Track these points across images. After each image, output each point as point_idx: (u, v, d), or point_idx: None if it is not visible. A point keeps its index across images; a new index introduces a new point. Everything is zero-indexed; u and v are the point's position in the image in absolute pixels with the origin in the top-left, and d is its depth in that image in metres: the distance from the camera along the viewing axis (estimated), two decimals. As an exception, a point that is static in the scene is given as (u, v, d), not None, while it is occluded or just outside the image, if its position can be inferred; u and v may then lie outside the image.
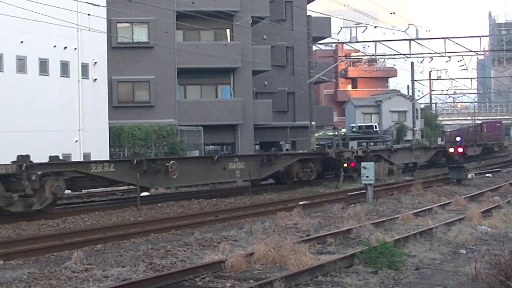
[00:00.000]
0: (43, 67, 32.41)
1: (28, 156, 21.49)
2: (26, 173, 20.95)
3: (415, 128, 68.12)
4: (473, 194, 27.08)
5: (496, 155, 69.98)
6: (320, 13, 61.27)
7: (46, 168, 22.24)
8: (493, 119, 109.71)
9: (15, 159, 21.62)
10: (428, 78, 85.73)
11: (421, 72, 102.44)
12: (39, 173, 21.66)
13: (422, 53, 59.27)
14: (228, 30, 46.05)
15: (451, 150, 48.03)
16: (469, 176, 35.28)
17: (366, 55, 73.89)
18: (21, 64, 31.50)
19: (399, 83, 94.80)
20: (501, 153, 73.26)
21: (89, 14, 31.43)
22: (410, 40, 53.63)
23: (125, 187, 29.61)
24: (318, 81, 53.35)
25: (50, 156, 23.14)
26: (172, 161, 26.24)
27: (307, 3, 56.58)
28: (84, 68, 34.15)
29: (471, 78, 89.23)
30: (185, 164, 27.36)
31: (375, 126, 66.80)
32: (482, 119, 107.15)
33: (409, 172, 43.01)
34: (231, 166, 29.02)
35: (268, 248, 13.32)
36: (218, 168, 28.49)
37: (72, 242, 16.53)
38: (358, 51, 79.35)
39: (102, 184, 25.72)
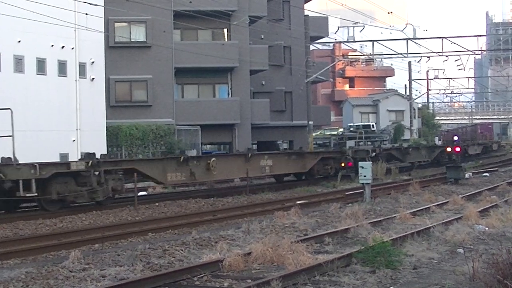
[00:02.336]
0: (41, 66, 32.38)
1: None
2: None
3: (412, 128, 68.17)
4: (470, 193, 27.09)
5: (493, 154, 70.35)
6: (318, 13, 61.28)
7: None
8: (488, 118, 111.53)
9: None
10: (426, 78, 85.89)
11: (418, 72, 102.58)
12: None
13: (420, 53, 59.36)
14: (225, 30, 46.05)
15: (449, 149, 48.05)
16: (467, 175, 35.28)
17: (364, 55, 73.89)
18: (18, 64, 31.47)
19: (396, 82, 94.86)
20: (499, 153, 73.52)
21: (86, 14, 31.39)
22: (407, 39, 53.74)
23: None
24: (315, 80, 53.38)
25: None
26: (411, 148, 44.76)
27: (305, 3, 56.58)
28: (82, 68, 34.13)
29: (468, 77, 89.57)
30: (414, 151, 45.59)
31: (373, 125, 66.82)
32: (478, 119, 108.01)
33: (406, 171, 43.06)
34: (422, 152, 46.38)
35: (265, 247, 13.32)
36: (417, 153, 45.87)
37: (69, 241, 16.52)
38: (355, 50, 79.31)
39: None
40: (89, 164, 23.03)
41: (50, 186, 22.12)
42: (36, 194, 21.45)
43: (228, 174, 30.43)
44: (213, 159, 28.22)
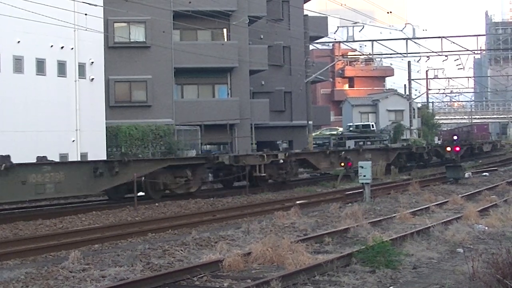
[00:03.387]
0: (40, 67, 32.36)
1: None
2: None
3: (412, 127, 68.15)
4: (470, 193, 27.09)
5: (492, 153, 70.64)
6: (317, 13, 61.30)
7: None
8: (488, 117, 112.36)
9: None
10: (425, 77, 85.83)
11: (418, 71, 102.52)
12: None
13: (419, 52, 59.37)
14: (225, 30, 46.06)
15: (448, 149, 48.09)
16: (466, 175, 35.27)
17: (363, 55, 73.86)
18: (18, 64, 31.43)
19: (396, 82, 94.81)
20: (498, 152, 73.70)
21: (86, 14, 31.36)
22: (407, 39, 53.73)
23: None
24: (315, 80, 53.40)
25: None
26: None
27: (304, 3, 56.61)
28: (81, 68, 34.09)
29: (468, 77, 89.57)
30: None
31: (372, 125, 66.78)
32: (477, 119, 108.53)
33: (406, 171, 43.06)
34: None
35: (265, 247, 13.32)
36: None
37: (69, 242, 16.53)
38: (355, 50, 79.29)
39: None
40: (286, 155, 32.57)
41: (266, 170, 31.04)
42: (265, 175, 31.06)
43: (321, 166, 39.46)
44: (343, 152, 37.68)
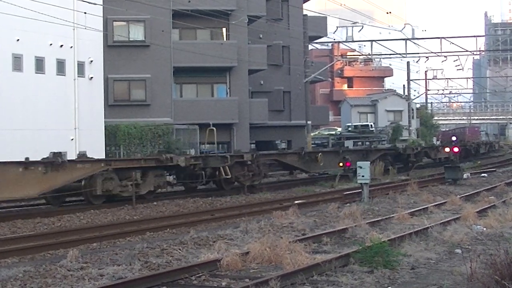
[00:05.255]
0: (39, 65, 32.34)
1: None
2: None
3: (410, 128, 68.15)
4: (468, 194, 27.08)
5: (491, 154, 70.74)
6: (316, 12, 61.26)
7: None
8: (487, 118, 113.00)
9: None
10: (424, 78, 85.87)
11: (417, 72, 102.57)
12: None
13: (418, 53, 59.41)
14: (224, 29, 46.05)
15: (447, 150, 48.09)
16: (465, 176, 35.27)
17: (362, 55, 73.87)
18: (17, 62, 31.42)
19: (395, 82, 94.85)
20: (497, 153, 73.78)
21: (85, 13, 31.34)
22: (406, 39, 53.77)
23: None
24: (314, 80, 53.38)
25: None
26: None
27: (303, 2, 56.59)
28: (80, 67, 34.09)
29: (466, 78, 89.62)
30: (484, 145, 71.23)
31: (371, 125, 66.74)
32: (476, 120, 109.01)
33: (405, 171, 43.06)
34: (482, 147, 65.28)
35: (263, 247, 13.31)
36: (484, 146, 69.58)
37: (67, 240, 16.52)
38: (354, 50, 79.26)
39: None
40: (416, 150, 45.58)
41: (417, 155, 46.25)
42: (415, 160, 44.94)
43: (439, 155, 51.54)
44: (440, 147, 51.47)
